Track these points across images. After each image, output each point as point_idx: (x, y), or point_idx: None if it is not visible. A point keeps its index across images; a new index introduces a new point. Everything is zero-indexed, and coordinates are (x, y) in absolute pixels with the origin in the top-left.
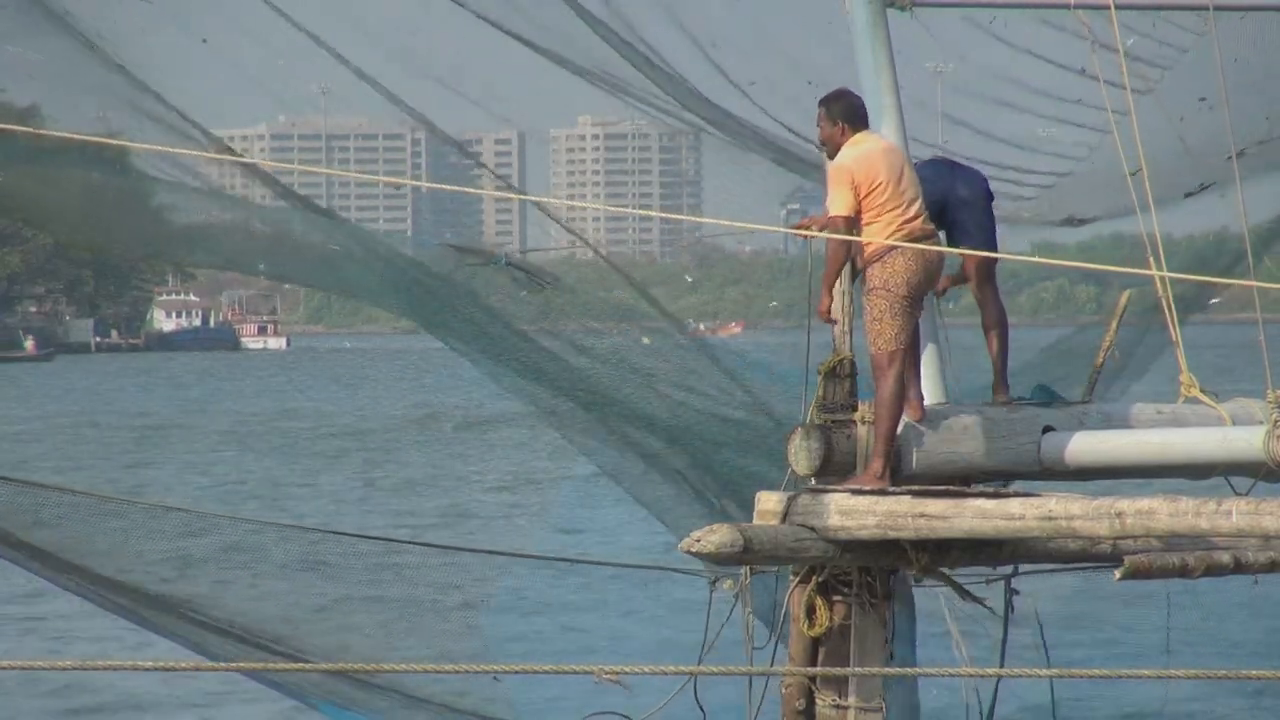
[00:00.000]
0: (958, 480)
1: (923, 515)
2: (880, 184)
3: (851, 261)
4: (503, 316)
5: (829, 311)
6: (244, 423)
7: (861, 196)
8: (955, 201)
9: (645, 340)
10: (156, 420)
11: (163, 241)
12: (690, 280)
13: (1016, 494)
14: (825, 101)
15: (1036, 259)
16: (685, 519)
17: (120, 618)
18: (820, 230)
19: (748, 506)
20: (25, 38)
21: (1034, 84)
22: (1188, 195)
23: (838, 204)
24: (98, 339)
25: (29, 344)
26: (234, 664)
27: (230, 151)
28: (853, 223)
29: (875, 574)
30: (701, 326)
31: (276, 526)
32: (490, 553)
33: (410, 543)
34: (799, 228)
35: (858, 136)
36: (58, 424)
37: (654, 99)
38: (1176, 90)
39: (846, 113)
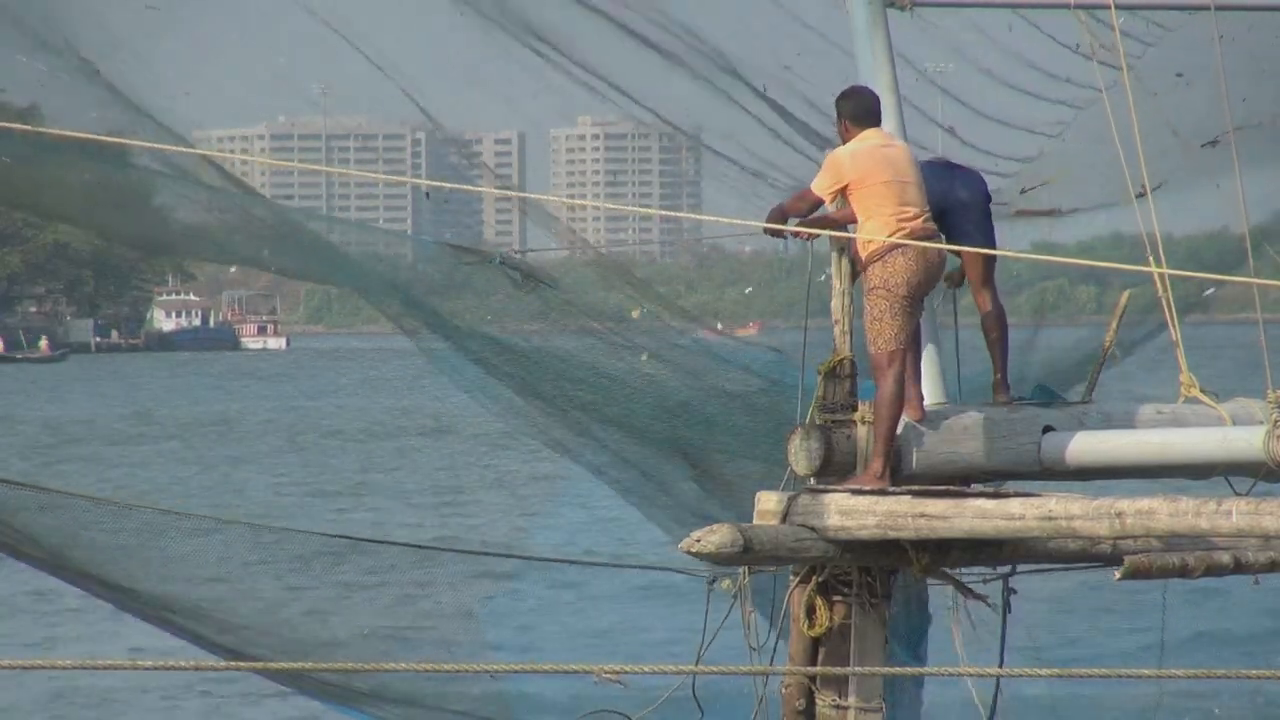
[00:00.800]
0: (958, 480)
1: (923, 515)
2: (878, 182)
3: (851, 261)
4: (488, 331)
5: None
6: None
7: (851, 191)
8: (954, 203)
9: (644, 358)
10: (215, 418)
11: (165, 235)
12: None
13: (1016, 494)
14: (837, 100)
15: (1036, 257)
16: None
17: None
18: (789, 200)
19: (738, 508)
20: (33, 50)
21: (1012, 63)
22: (1139, 196)
23: (816, 182)
24: (98, 339)
25: (43, 344)
26: (234, 664)
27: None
28: (819, 203)
29: (875, 574)
30: (719, 326)
31: (270, 529)
32: (489, 554)
33: (409, 545)
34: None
35: (864, 133)
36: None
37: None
38: (1155, 65)
39: (851, 111)
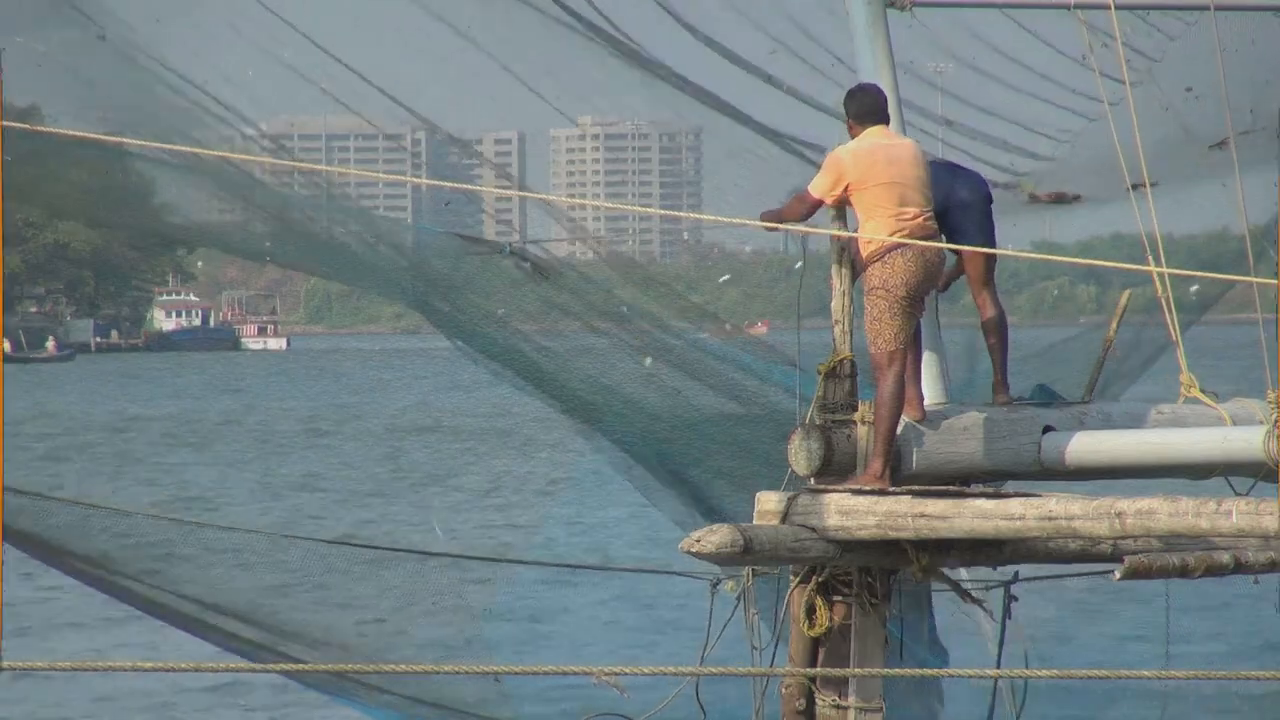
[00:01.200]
0: (958, 480)
1: (923, 515)
2: (878, 183)
3: (851, 261)
4: (500, 317)
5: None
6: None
7: (852, 191)
8: (956, 204)
9: (646, 362)
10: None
11: (167, 230)
12: (725, 279)
13: (1017, 494)
14: (844, 101)
15: (1036, 256)
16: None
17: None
18: (788, 203)
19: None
20: (34, 28)
21: (1024, 71)
22: (1135, 186)
23: (815, 184)
24: (98, 339)
25: (50, 345)
26: (233, 664)
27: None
28: (818, 205)
29: (875, 574)
30: (727, 326)
31: (270, 536)
32: (492, 560)
33: (410, 551)
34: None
35: (867, 131)
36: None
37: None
38: (1165, 80)
39: (855, 110)
